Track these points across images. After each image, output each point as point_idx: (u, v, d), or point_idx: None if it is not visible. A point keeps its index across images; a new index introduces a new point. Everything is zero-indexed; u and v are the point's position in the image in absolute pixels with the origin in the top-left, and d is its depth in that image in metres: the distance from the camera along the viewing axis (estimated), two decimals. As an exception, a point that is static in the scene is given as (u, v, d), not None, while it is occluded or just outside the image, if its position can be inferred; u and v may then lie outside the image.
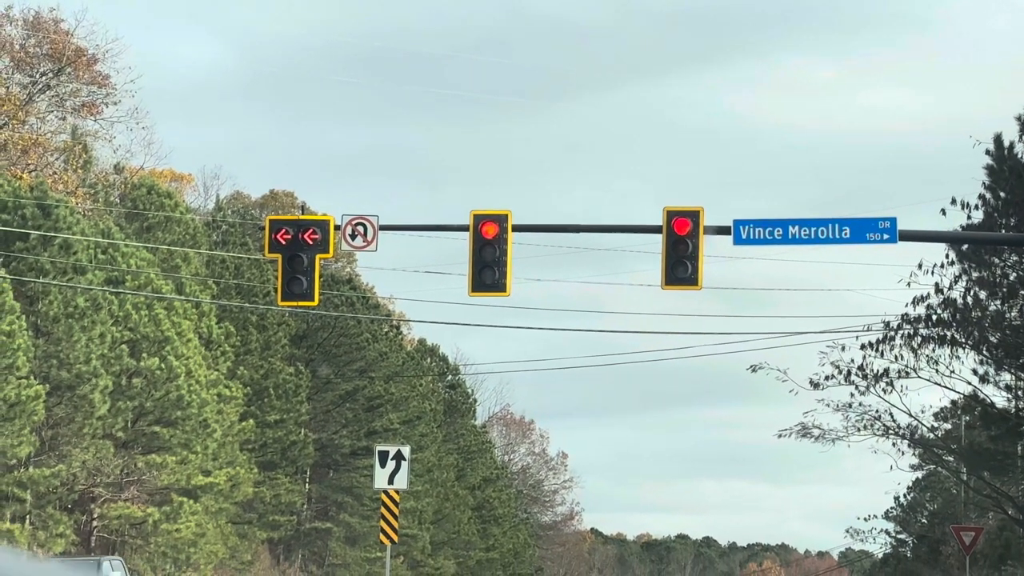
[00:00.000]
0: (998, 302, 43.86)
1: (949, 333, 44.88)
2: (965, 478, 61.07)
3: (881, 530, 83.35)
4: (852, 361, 47.42)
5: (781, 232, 27.86)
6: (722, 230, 27.98)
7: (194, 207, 75.15)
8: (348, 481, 74.73)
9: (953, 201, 42.11)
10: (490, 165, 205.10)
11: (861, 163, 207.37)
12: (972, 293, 43.98)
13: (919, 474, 77.42)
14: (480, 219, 28.00)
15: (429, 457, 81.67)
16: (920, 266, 44.22)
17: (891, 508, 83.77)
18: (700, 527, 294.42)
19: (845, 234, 27.78)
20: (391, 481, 39.16)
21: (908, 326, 45.59)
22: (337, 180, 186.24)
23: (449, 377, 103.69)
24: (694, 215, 27.67)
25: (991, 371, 44.75)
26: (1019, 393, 45.43)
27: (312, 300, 28.56)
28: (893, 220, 27.74)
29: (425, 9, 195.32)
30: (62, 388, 47.61)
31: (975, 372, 45.15)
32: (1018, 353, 43.53)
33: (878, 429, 49.55)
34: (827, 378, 47.91)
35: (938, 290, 44.49)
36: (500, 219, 28.00)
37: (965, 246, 43.25)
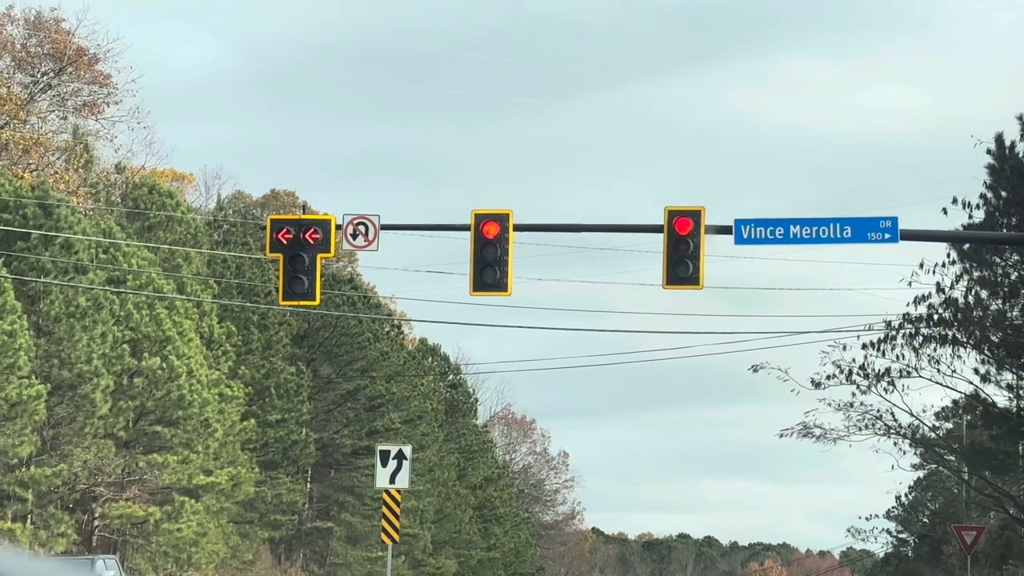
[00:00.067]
0: (999, 301, 43.84)
1: (950, 332, 44.86)
2: (966, 477, 61.04)
3: (882, 529, 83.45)
4: (853, 361, 47.41)
5: (782, 232, 27.85)
6: (723, 230, 27.97)
7: (195, 207, 75.18)
8: (349, 480, 74.74)
9: (954, 200, 42.09)
10: (491, 164, 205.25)
11: (862, 162, 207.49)
12: (973, 292, 43.97)
13: (920, 473, 77.48)
14: (481, 218, 27.99)
15: (430, 456, 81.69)
16: (921, 265, 44.21)
17: (892, 507, 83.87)
18: (701, 526, 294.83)
19: (846, 233, 27.76)
20: (392, 480, 39.15)
21: (909, 325, 45.57)
22: (338, 180, 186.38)
23: (450, 376, 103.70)
24: (695, 215, 27.66)
25: (992, 370, 44.74)
26: (1020, 392, 45.42)
27: (313, 300, 28.56)
28: (894, 219, 27.73)
29: (426, 9, 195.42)
30: (63, 388, 47.62)
31: (976, 371, 45.16)
32: (1019, 352, 43.52)
33: (879, 429, 49.51)
34: (828, 377, 47.88)
35: (939, 289, 44.48)
36: (501, 218, 28.00)
37: (966, 245, 43.22)
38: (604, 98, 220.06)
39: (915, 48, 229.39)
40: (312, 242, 28.03)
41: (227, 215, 75.29)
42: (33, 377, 45.66)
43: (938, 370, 45.89)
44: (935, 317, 44.87)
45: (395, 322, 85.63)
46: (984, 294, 43.82)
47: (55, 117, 66.14)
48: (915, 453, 57.74)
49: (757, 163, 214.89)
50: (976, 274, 43.75)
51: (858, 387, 47.86)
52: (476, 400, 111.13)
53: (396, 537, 40.73)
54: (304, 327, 72.31)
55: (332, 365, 74.27)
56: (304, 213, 29.56)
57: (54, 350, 47.52)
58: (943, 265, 44.08)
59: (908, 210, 58.87)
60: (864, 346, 46.91)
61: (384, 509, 40.57)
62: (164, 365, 51.70)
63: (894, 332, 45.91)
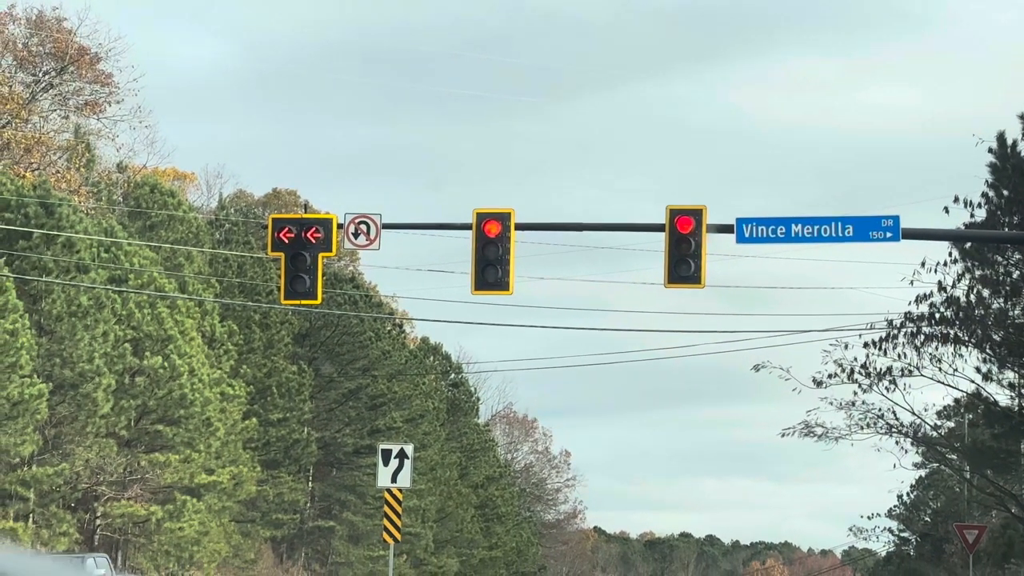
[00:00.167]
0: (1001, 300, 43.81)
1: (952, 331, 44.82)
2: (968, 476, 61.05)
3: (884, 528, 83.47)
4: (855, 359, 47.36)
5: (784, 230, 27.84)
6: (725, 228, 27.96)
7: (197, 206, 75.18)
8: (351, 479, 74.74)
9: (956, 199, 42.05)
10: (492, 164, 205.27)
11: (863, 162, 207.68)
12: (975, 291, 43.93)
13: (922, 472, 77.44)
14: (483, 217, 27.99)
15: (432, 455, 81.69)
16: (923, 264, 44.17)
17: (894, 506, 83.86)
18: (703, 525, 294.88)
19: (848, 232, 27.75)
20: (394, 479, 39.16)
21: (911, 324, 45.54)
22: (340, 179, 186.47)
23: (452, 375, 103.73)
24: (697, 213, 27.65)
25: (994, 369, 44.71)
26: (1022, 391, 45.40)
27: (315, 299, 28.56)
28: (896, 218, 27.72)
29: (426, 8, 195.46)
30: (65, 387, 47.64)
31: (978, 370, 45.12)
32: (1021, 351, 43.49)
33: (881, 427, 49.45)
34: (830, 376, 47.83)
35: (941, 288, 44.44)
36: (503, 217, 27.99)
37: (968, 244, 43.20)
38: (605, 97, 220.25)
39: (916, 48, 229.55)
40: (314, 241, 28.03)
41: (229, 214, 75.31)
42: (35, 376, 45.67)
43: (940, 369, 45.86)
44: (937, 316, 44.85)
45: (397, 321, 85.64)
46: (986, 293, 43.79)
47: (57, 116, 66.19)
48: (917, 452, 57.72)
49: (758, 162, 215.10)
50: (978, 273, 43.72)
51: (860, 386, 47.83)
52: (478, 399, 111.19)
53: (398, 536, 40.74)
54: (306, 326, 72.32)
55: (334, 364, 74.29)
56: (306, 212, 29.54)
57: (56, 349, 47.53)
58: (945, 264, 44.06)
59: (910, 209, 58.92)
60: (866, 345, 46.88)
61: (386, 508, 40.58)
62: (166, 364, 51.71)
63: (896, 331, 45.89)
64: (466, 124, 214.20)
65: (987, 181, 42.00)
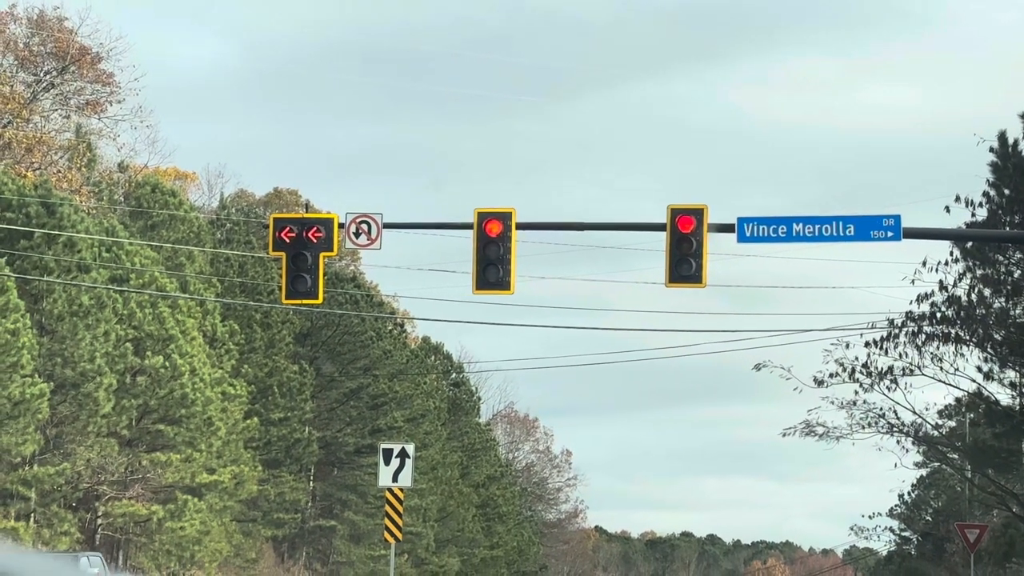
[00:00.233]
0: (1002, 299, 43.81)
1: (953, 331, 44.82)
2: (969, 475, 61.05)
3: (885, 528, 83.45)
4: (856, 359, 47.37)
5: (785, 230, 27.85)
6: (726, 228, 27.97)
7: (198, 205, 75.18)
8: (352, 479, 74.75)
9: (957, 198, 42.04)
10: (493, 163, 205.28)
11: (863, 161, 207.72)
12: (976, 290, 43.92)
13: (923, 472, 77.43)
14: (484, 217, 27.99)
15: (433, 455, 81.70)
16: (924, 263, 44.16)
17: (895, 506, 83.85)
18: (704, 525, 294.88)
19: (849, 231, 27.75)
20: (395, 479, 39.16)
21: (912, 324, 45.54)
22: (341, 178, 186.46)
23: (453, 375, 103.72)
24: (698, 213, 27.65)
25: (995, 368, 44.70)
26: (1023, 390, 45.40)
27: (316, 298, 28.57)
28: (897, 217, 27.73)
29: (427, 7, 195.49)
30: (66, 386, 47.65)
31: (979, 369, 45.12)
32: (1022, 350, 43.49)
33: (882, 427, 49.45)
34: (831, 376, 47.84)
35: (942, 287, 44.44)
36: (504, 217, 27.99)
37: (969, 243, 43.18)
38: (605, 97, 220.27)
39: (916, 47, 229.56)
40: (315, 241, 28.04)
41: (230, 214, 75.31)
42: (36, 376, 45.68)
43: (941, 368, 45.88)
44: (938, 315, 44.85)
45: (398, 320, 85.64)
46: (987, 292, 43.78)
47: (58, 116, 66.20)
48: (918, 451, 57.77)
49: (758, 162, 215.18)
50: (979, 272, 43.71)
51: (861, 385, 47.84)
52: (479, 398, 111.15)
53: (399, 535, 40.75)
54: (307, 326, 72.32)
55: (335, 363, 74.29)
56: (307, 212, 29.56)
57: (57, 349, 47.54)
58: (946, 263, 44.06)
59: (911, 208, 58.89)
60: (867, 344, 46.89)
61: (387, 507, 40.59)
62: (167, 364, 51.72)
63: (897, 330, 45.89)
64: (466, 124, 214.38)
65: (988, 180, 42.00)
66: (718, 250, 28.96)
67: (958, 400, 52.31)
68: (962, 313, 44.18)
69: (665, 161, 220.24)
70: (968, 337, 44.70)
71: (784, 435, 51.82)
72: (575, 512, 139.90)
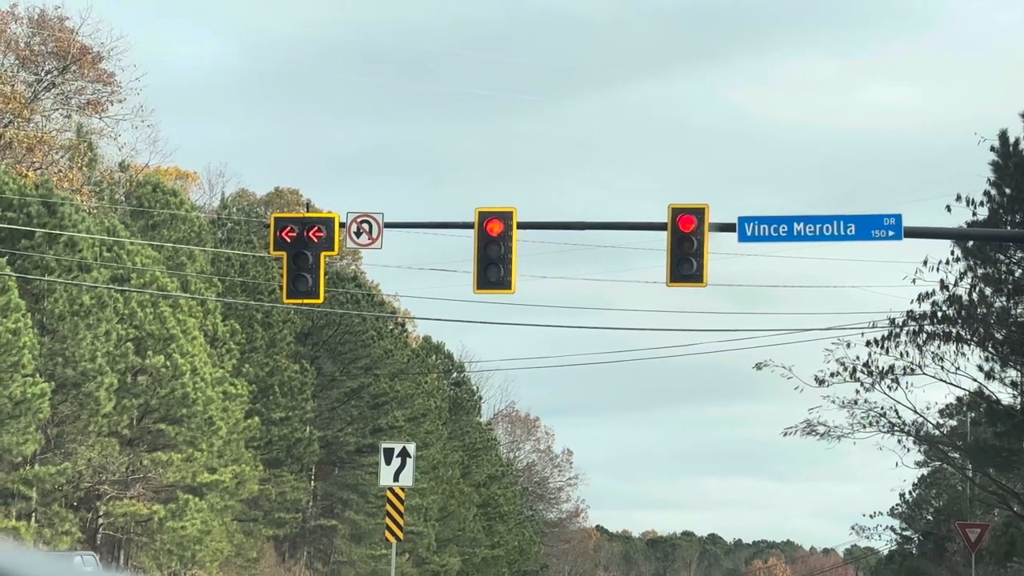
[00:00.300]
0: (1003, 298, 43.83)
1: (954, 330, 44.83)
2: (970, 475, 61.06)
3: (886, 527, 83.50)
4: (857, 358, 47.39)
5: (786, 229, 27.85)
6: (727, 227, 27.97)
7: (199, 205, 75.19)
8: (353, 478, 74.75)
9: (958, 198, 42.07)
10: (493, 163, 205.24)
11: (863, 161, 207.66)
12: (977, 290, 43.94)
13: (924, 471, 77.45)
14: (485, 216, 27.99)
15: (434, 454, 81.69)
16: (925, 263, 44.18)
17: (896, 505, 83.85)
18: (705, 524, 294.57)
19: (850, 231, 27.75)
20: (396, 478, 39.17)
21: (913, 323, 45.56)
22: (342, 178, 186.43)
23: (454, 374, 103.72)
24: (699, 212, 27.65)
25: (996, 368, 44.72)
26: (1024, 390, 45.41)
27: (317, 298, 28.57)
28: (898, 217, 27.73)
29: (426, 7, 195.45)
30: (67, 386, 47.65)
31: (980, 369, 45.14)
32: (1023, 350, 43.50)
33: (883, 426, 49.48)
34: (832, 375, 47.87)
35: (943, 287, 44.46)
36: (505, 216, 27.99)
37: (970, 243, 43.20)
38: (605, 96, 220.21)
39: (916, 47, 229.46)
40: (316, 240, 28.03)
41: (231, 213, 75.31)
42: (37, 375, 45.68)
43: (942, 367, 45.90)
44: (939, 314, 44.86)
45: (399, 320, 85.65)
46: (988, 291, 43.80)
47: (59, 115, 66.20)
48: (919, 450, 57.77)
49: (759, 162, 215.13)
50: (980, 271, 43.73)
51: (862, 384, 47.87)
52: (480, 398, 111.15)
53: (400, 535, 40.76)
54: (308, 325, 72.33)
55: (336, 363, 74.30)
56: (308, 211, 29.57)
57: (58, 348, 47.55)
58: (947, 262, 44.08)
59: (912, 207, 58.93)
60: (868, 343, 46.91)
61: (388, 507, 40.59)
62: (168, 363, 51.72)
63: (898, 329, 45.91)
64: (466, 124, 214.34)
65: (989, 179, 42.02)
66: (719, 249, 28.99)
67: (959, 399, 52.34)
68: (963, 312, 44.20)
69: (665, 161, 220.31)
70: (969, 336, 44.71)
71: (785, 434, 51.87)
72: (576, 511, 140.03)
